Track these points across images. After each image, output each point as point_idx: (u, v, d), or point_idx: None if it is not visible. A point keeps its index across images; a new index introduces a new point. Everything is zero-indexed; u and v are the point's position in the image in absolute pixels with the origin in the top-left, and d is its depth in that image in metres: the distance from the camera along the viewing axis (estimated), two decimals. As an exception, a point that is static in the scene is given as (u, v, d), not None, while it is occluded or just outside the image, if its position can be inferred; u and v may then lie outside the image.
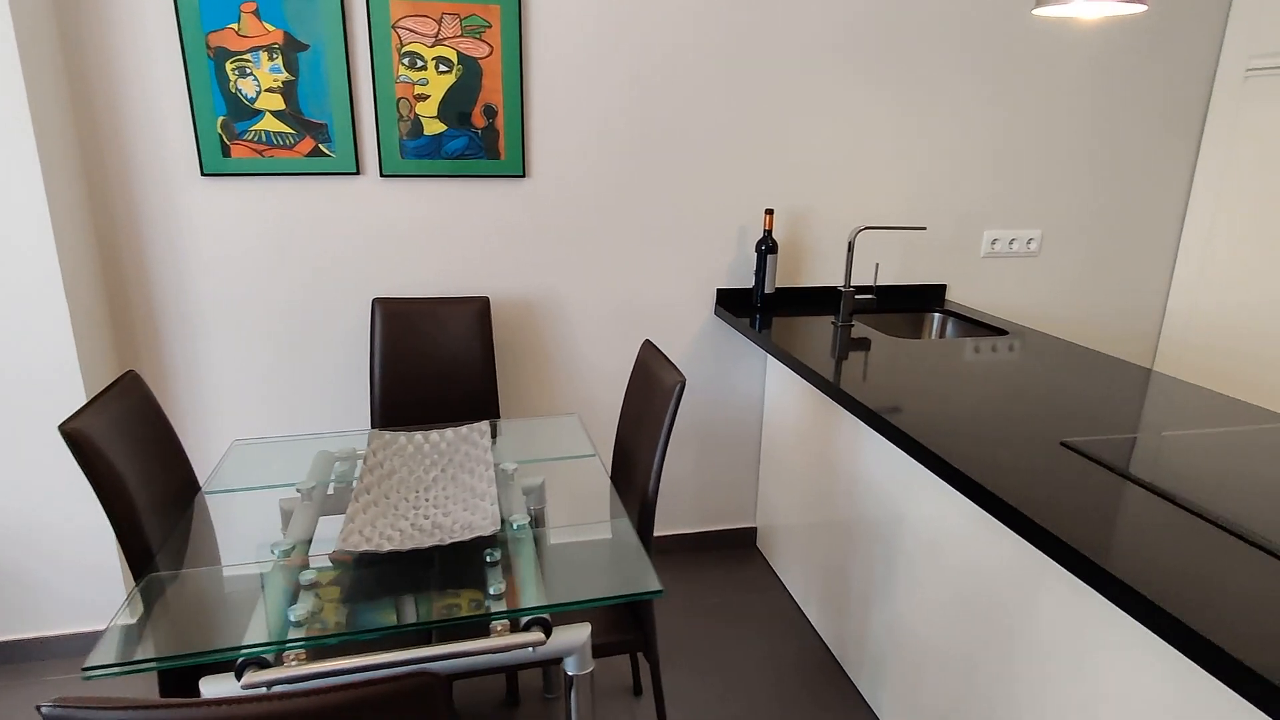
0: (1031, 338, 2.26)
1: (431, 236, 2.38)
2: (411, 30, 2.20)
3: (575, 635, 1.35)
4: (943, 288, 2.77)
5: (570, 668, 1.39)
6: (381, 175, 2.29)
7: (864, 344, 2.19)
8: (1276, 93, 2.59)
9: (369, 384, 2.37)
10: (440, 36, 2.22)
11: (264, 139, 2.20)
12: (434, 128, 2.28)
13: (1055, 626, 1.35)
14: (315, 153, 2.23)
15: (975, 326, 2.47)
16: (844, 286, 2.38)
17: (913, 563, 1.81)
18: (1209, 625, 0.90)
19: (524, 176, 2.38)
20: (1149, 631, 1.07)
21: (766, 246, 2.50)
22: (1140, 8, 1.64)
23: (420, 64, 2.23)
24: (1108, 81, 2.69)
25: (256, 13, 2.11)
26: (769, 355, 2.52)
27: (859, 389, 1.77)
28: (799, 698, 2.12)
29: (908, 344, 2.20)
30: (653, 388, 1.81)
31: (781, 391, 2.59)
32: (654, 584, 1.33)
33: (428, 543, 1.38)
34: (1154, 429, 1.53)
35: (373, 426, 2.31)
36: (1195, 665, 1.03)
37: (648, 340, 2.00)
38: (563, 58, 2.31)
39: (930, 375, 1.89)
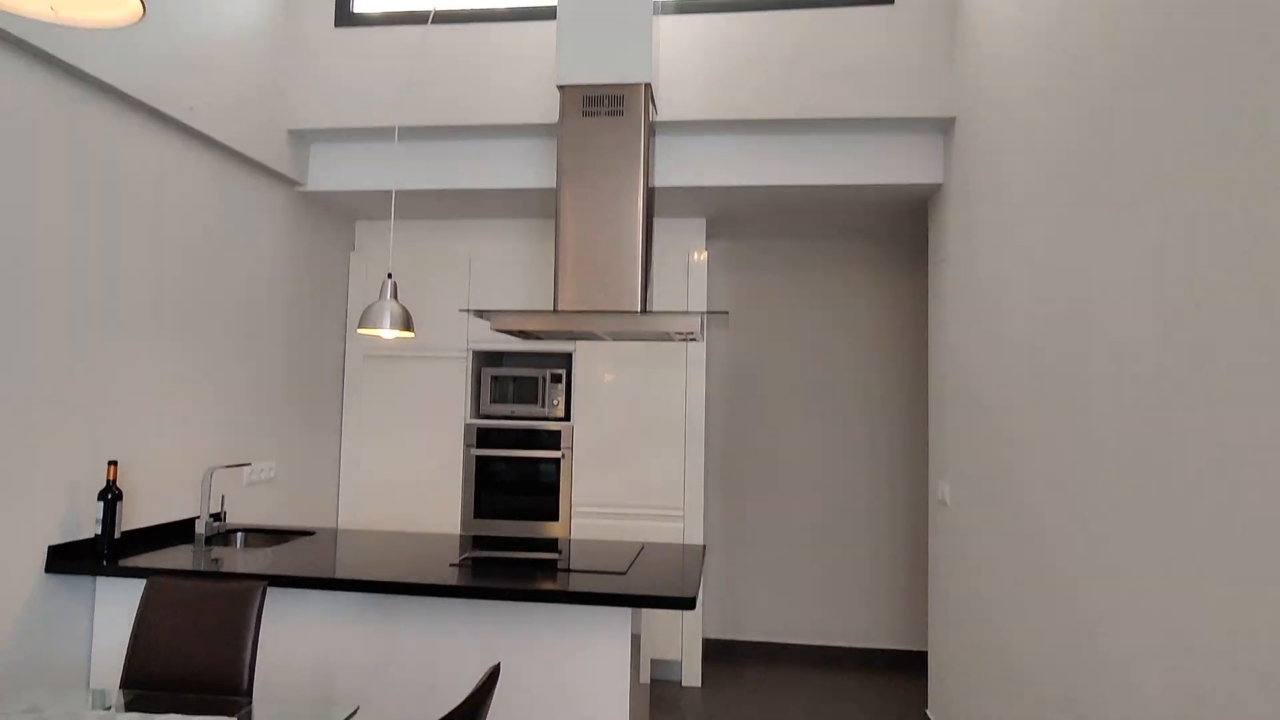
0: (325, 532, 3.31)
1: None
2: None
3: None
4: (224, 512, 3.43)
5: None
6: None
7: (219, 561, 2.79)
8: (381, 370, 4.51)
9: None
10: None
11: None
12: None
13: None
14: None
15: (282, 534, 3.30)
16: (205, 519, 2.87)
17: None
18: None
19: None
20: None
21: (112, 495, 2.69)
22: (408, 334, 3.15)
23: None
24: (299, 366, 4.05)
25: None
26: (98, 598, 2.67)
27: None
28: None
29: (255, 550, 2.92)
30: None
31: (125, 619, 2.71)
32: None
33: None
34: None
35: None
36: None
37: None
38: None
39: (306, 563, 2.77)
